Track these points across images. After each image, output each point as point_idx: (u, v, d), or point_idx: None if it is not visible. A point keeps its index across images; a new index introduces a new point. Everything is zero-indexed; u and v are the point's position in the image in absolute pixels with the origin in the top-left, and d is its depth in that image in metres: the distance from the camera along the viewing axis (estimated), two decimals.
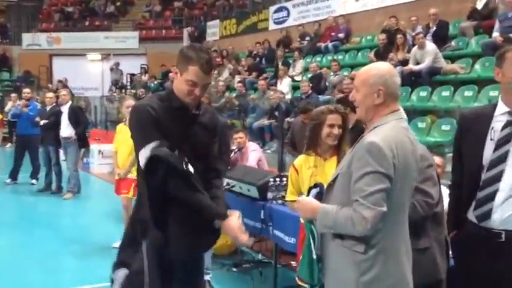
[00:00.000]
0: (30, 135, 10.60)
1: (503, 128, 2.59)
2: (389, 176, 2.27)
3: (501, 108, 2.66)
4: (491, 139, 2.61)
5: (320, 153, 3.53)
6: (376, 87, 2.39)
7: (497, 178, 2.57)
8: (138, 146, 2.81)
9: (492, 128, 2.62)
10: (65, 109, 9.59)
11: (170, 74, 19.10)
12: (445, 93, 9.32)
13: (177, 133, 2.80)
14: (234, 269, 5.65)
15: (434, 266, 3.03)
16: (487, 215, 2.58)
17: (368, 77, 2.44)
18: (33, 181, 10.85)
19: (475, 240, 2.65)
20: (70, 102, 9.79)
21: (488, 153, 2.61)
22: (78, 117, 9.62)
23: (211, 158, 3.03)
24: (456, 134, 2.89)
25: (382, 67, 2.51)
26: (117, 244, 5.99)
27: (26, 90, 11.37)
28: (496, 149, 2.59)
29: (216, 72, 16.76)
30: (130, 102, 6.64)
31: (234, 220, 2.79)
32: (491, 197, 2.58)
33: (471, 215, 2.67)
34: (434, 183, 3.03)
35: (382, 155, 2.26)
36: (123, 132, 6.49)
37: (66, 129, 9.48)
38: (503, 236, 2.55)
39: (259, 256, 5.91)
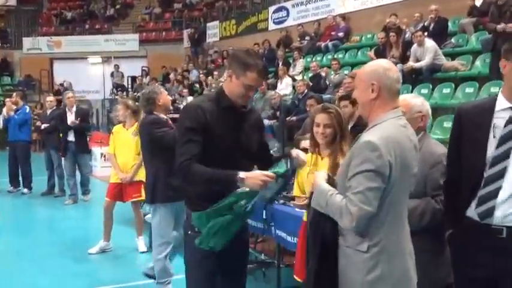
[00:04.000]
0: (17, 141, 10.39)
1: (506, 124, 2.51)
2: (384, 174, 2.28)
3: (502, 103, 2.56)
4: (493, 136, 2.53)
5: (320, 152, 3.54)
6: (370, 82, 2.43)
7: (501, 175, 2.50)
8: (178, 143, 2.96)
9: (494, 124, 2.54)
10: (73, 112, 9.39)
11: (170, 76, 19.20)
12: (446, 91, 9.32)
13: (226, 131, 2.94)
14: None
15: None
16: (490, 212, 2.51)
17: (363, 73, 2.50)
18: (25, 190, 10.53)
19: (474, 238, 2.58)
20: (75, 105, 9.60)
21: (490, 150, 2.53)
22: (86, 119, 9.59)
23: (266, 148, 3.29)
24: (454, 128, 2.79)
25: (377, 62, 2.55)
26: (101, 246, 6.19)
27: (14, 94, 11.12)
28: (498, 146, 2.51)
29: (216, 73, 16.80)
30: (119, 106, 6.68)
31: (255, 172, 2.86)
32: (494, 195, 2.51)
33: (472, 213, 2.59)
34: None
35: (378, 154, 2.28)
36: (122, 134, 6.49)
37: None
38: (504, 232, 2.49)
39: (262, 256, 5.90)
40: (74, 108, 9.45)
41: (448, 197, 2.82)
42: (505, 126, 2.52)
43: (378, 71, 2.44)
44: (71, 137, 9.34)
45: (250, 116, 3.12)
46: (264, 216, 4.94)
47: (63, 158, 9.69)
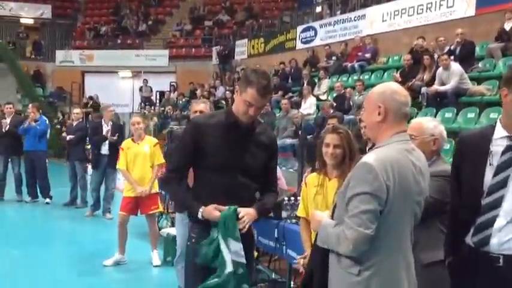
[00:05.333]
0: (35, 151, 10.38)
1: (503, 152, 2.48)
2: (379, 197, 2.23)
3: (500, 132, 2.54)
4: (490, 164, 2.50)
5: (327, 173, 3.52)
6: (376, 104, 2.39)
7: (498, 204, 2.46)
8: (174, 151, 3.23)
9: (491, 152, 2.52)
10: (109, 125, 9.28)
11: (197, 92, 19.37)
12: (471, 115, 9.17)
13: (226, 147, 2.99)
14: None
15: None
16: (486, 241, 2.49)
17: (371, 95, 2.46)
18: (47, 200, 10.58)
19: (472, 265, 2.55)
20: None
21: (487, 178, 2.50)
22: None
23: (270, 173, 3.22)
24: (454, 157, 2.76)
25: (386, 85, 2.50)
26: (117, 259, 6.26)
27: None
28: (495, 174, 2.48)
29: None
30: (137, 119, 6.71)
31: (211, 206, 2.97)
32: (490, 223, 2.48)
33: (469, 240, 2.57)
34: None
35: (373, 176, 2.23)
36: (133, 148, 6.54)
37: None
38: (500, 260, 2.45)
39: (273, 275, 5.87)
40: (111, 123, 9.39)
41: (451, 223, 2.79)
42: (502, 154, 2.49)
43: (385, 93, 2.39)
44: (105, 151, 9.19)
45: (259, 136, 3.11)
46: (276, 235, 4.94)
47: (93, 170, 9.62)
